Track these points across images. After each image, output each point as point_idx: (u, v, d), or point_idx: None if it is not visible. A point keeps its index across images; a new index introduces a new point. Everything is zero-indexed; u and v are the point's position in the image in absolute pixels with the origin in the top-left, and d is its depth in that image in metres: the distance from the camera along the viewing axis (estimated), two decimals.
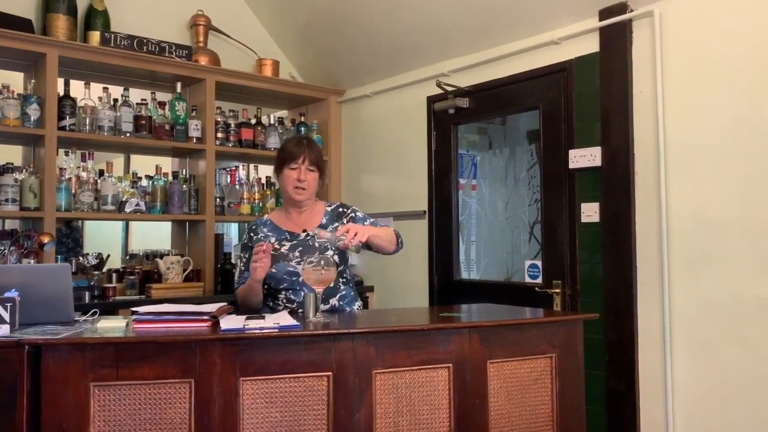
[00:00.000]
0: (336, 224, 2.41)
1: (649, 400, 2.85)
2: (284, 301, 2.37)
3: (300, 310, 2.26)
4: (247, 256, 2.47)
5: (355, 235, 2.18)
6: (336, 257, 2.36)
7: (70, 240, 4.34)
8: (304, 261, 2.16)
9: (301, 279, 2.26)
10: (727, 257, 2.62)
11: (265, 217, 2.58)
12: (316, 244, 2.37)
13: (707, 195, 2.68)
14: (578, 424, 2.20)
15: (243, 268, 2.48)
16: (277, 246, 2.40)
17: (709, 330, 2.67)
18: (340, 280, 2.42)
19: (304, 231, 2.45)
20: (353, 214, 2.52)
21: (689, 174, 2.74)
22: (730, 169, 2.62)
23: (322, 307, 2.31)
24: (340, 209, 2.54)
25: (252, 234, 2.49)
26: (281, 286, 2.37)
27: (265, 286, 2.40)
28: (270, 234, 2.46)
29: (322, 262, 2.07)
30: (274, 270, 2.35)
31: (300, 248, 2.39)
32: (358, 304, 2.51)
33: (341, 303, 2.42)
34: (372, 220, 2.54)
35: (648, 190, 2.87)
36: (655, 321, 2.83)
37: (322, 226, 2.45)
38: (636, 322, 2.88)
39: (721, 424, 2.63)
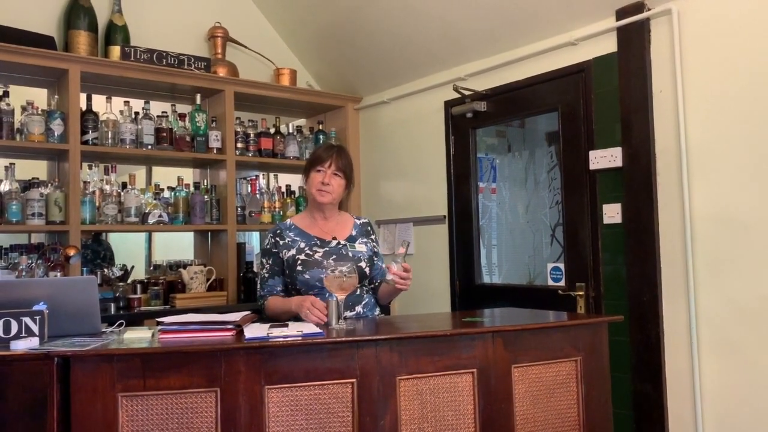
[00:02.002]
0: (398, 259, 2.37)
1: (677, 403, 2.81)
2: None
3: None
4: (270, 261, 2.48)
5: (404, 282, 2.31)
6: (367, 268, 2.42)
7: (89, 251, 4.40)
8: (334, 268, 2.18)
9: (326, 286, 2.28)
10: (752, 257, 2.58)
11: (288, 221, 2.58)
12: (350, 254, 2.43)
13: (731, 194, 2.65)
14: (605, 428, 2.18)
15: (267, 275, 2.48)
16: (309, 251, 2.43)
17: (737, 330, 2.62)
18: (365, 288, 2.46)
19: (335, 238, 2.48)
20: (376, 242, 2.60)
21: (712, 173, 2.71)
22: (754, 168, 2.58)
23: (348, 314, 2.36)
24: (368, 227, 2.63)
25: (277, 239, 2.49)
26: (311, 292, 2.38)
27: (294, 292, 2.44)
28: (297, 238, 2.47)
29: (345, 269, 2.08)
30: (307, 276, 2.37)
31: (334, 256, 2.41)
32: (377, 311, 2.54)
33: (365, 310, 2.45)
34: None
35: (670, 190, 2.84)
36: (681, 322, 2.79)
37: (352, 238, 2.51)
38: (662, 323, 2.84)
39: (751, 424, 2.59)
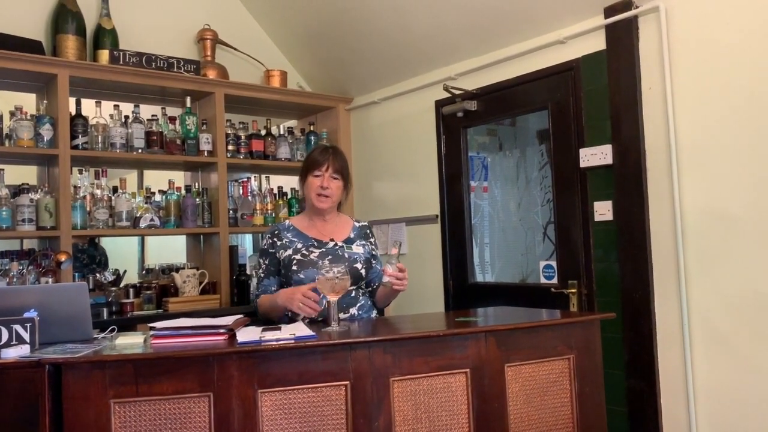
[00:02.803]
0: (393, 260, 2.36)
1: (670, 398, 2.82)
2: None
3: (320, 319, 2.28)
4: (267, 261, 2.48)
5: (401, 282, 2.32)
6: (363, 270, 2.43)
7: (85, 256, 4.38)
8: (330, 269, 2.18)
9: None
10: (743, 252, 2.59)
11: (287, 222, 2.58)
12: (346, 255, 2.43)
13: (721, 190, 2.66)
14: (599, 425, 2.19)
15: (263, 275, 2.48)
16: (305, 252, 2.42)
17: (729, 326, 2.64)
18: (360, 291, 2.47)
19: (332, 240, 2.48)
20: (374, 245, 2.61)
21: (702, 169, 2.72)
22: (743, 163, 2.59)
23: (343, 315, 2.36)
24: (367, 230, 2.63)
25: (275, 239, 2.49)
26: None
27: None
28: (295, 239, 2.47)
29: (337, 271, 2.09)
30: (302, 275, 2.37)
31: (330, 257, 2.41)
32: (374, 312, 2.55)
33: (360, 312, 2.45)
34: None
35: (661, 187, 2.85)
36: (673, 318, 2.81)
37: (350, 240, 2.51)
38: (654, 319, 2.86)
39: (744, 420, 2.60)
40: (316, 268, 2.33)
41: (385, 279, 2.30)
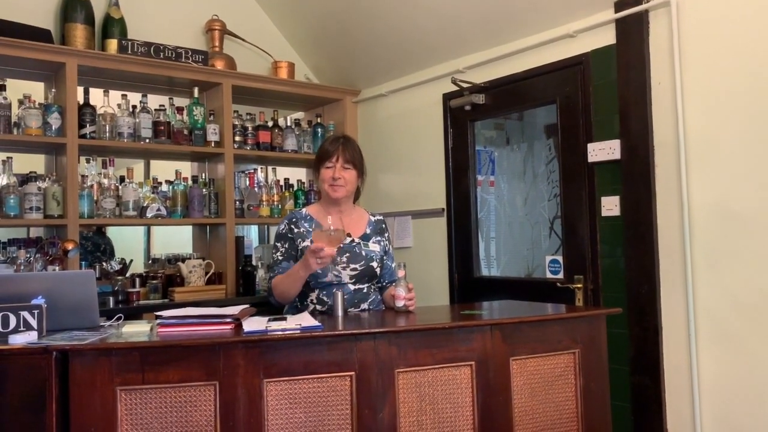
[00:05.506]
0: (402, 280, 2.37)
1: (675, 394, 2.82)
2: (315, 302, 2.40)
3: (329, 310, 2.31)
4: (286, 245, 2.46)
5: (412, 302, 2.36)
6: (378, 269, 2.48)
7: (90, 243, 4.39)
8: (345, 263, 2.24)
9: (335, 282, 2.36)
10: (751, 249, 2.58)
11: (304, 211, 2.55)
12: (363, 253, 2.44)
13: (729, 186, 2.65)
14: (603, 420, 2.19)
15: (281, 258, 2.46)
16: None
17: (735, 323, 2.63)
18: (372, 287, 2.50)
19: (349, 235, 2.47)
20: (389, 240, 2.62)
21: (710, 165, 2.71)
22: (753, 160, 2.58)
23: (354, 311, 2.39)
24: (383, 225, 2.63)
25: (292, 226, 2.47)
26: (319, 287, 2.40)
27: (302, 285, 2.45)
28: (312, 230, 2.46)
29: (332, 226, 2.17)
30: (320, 270, 2.36)
31: (348, 254, 2.41)
32: (383, 307, 2.56)
33: (371, 307, 2.47)
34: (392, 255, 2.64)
35: (669, 183, 2.84)
36: (679, 314, 2.80)
37: (366, 236, 2.52)
38: (660, 315, 2.85)
39: (749, 416, 2.60)
40: (334, 263, 2.35)
41: (400, 303, 2.31)
